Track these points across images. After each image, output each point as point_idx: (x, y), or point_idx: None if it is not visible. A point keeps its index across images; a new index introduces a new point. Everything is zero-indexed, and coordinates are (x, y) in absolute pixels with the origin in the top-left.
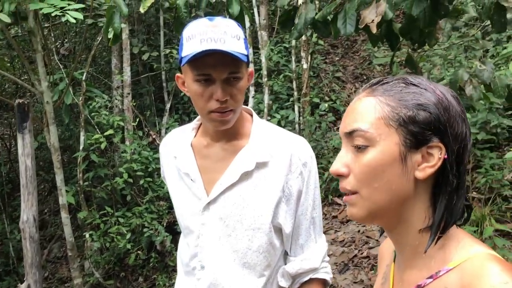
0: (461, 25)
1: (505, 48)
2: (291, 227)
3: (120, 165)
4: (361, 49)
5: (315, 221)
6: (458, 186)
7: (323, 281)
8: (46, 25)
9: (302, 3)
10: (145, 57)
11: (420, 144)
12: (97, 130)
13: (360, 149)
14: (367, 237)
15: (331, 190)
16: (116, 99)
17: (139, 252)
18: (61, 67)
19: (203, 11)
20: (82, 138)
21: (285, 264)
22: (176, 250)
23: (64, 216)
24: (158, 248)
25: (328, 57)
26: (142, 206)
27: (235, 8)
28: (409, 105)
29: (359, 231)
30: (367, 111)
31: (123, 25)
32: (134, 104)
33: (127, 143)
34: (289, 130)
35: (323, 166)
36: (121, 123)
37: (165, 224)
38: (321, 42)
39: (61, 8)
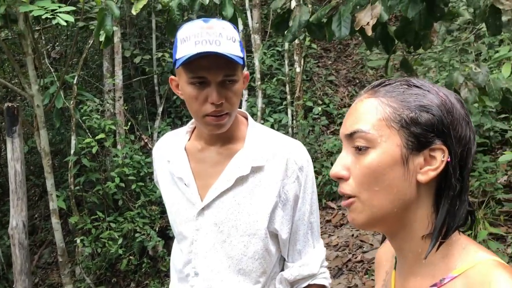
0: (456, 28)
1: (497, 52)
2: (288, 233)
3: (112, 170)
4: (354, 53)
5: (313, 226)
6: (461, 190)
7: (322, 287)
8: (36, 28)
9: (296, 5)
10: (137, 60)
11: (422, 147)
12: (89, 134)
13: (360, 151)
14: (361, 241)
15: (324, 194)
16: (108, 102)
17: (131, 257)
18: (52, 70)
19: (196, 13)
20: (73, 142)
21: (281, 270)
22: (168, 255)
23: (55, 221)
24: (150, 253)
25: (321, 60)
26: (134, 211)
27: (229, 11)
28: (412, 107)
29: (353, 235)
30: (369, 112)
31: (114, 28)
32: (126, 107)
33: (119, 147)
34: (282, 133)
35: (317, 170)
36: (113, 127)
37: (157, 229)
38: (314, 45)
39: (52, 10)
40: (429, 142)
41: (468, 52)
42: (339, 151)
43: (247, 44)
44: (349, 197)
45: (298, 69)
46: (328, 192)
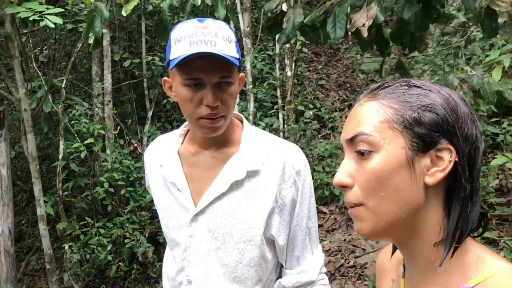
0: (450, 31)
1: (487, 56)
2: (285, 239)
3: (101, 175)
4: (344, 57)
5: (311, 232)
6: (472, 191)
7: None
8: (24, 31)
9: (290, 7)
10: (126, 64)
11: (428, 147)
12: (77, 138)
13: (363, 155)
14: (354, 246)
15: (316, 198)
16: (97, 107)
17: (120, 263)
18: (40, 74)
19: (187, 15)
20: (61, 147)
21: (277, 277)
22: (158, 261)
23: (42, 227)
24: (140, 259)
25: (311, 65)
26: (124, 216)
27: (221, 12)
28: (414, 107)
29: (345, 240)
30: (369, 115)
31: (104, 30)
32: (115, 112)
33: (108, 152)
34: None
35: None
36: (102, 132)
37: (147, 235)
38: (305, 49)
39: (39, 12)
40: (434, 142)
41: (459, 56)
42: (330, 155)
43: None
44: (355, 205)
45: (289, 73)
46: (320, 197)
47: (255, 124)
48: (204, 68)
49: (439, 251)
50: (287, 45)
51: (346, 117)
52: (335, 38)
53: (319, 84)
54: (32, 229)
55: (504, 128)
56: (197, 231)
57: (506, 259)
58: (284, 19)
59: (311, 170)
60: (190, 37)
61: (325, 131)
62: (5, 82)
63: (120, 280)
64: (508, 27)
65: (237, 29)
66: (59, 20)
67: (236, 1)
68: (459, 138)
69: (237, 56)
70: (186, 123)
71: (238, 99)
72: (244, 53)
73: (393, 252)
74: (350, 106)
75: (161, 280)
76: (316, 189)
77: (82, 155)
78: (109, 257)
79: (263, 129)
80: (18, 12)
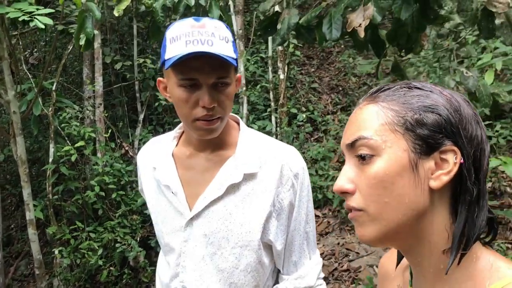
0: (446, 32)
1: (480, 59)
2: (283, 244)
3: (92, 178)
4: (337, 61)
5: (309, 236)
6: (478, 195)
7: None
8: (14, 33)
9: (285, 8)
10: (118, 66)
11: (431, 149)
12: (68, 141)
13: (364, 160)
14: (347, 249)
15: None
16: (88, 109)
17: (111, 268)
18: (30, 76)
19: (180, 16)
20: (51, 150)
21: (274, 283)
22: (150, 265)
23: (31, 232)
24: (131, 264)
25: (304, 68)
26: (115, 221)
27: (215, 13)
28: (415, 108)
29: (338, 243)
30: (369, 118)
31: (95, 32)
32: (106, 115)
33: (99, 155)
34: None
35: None
36: (93, 135)
37: (138, 239)
38: (297, 52)
39: (29, 13)
40: (438, 143)
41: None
42: (323, 158)
43: None
44: (355, 210)
45: (282, 76)
46: (313, 200)
47: (248, 127)
48: (201, 68)
49: (449, 258)
50: (280, 48)
51: (338, 120)
52: (331, 39)
53: (312, 87)
54: (21, 233)
55: (497, 131)
56: (192, 236)
57: None
58: (279, 20)
59: None
60: (186, 37)
61: (318, 134)
62: None
63: (111, 285)
64: (505, 29)
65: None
66: (49, 21)
67: (230, 3)
68: (463, 139)
69: (234, 56)
70: (180, 125)
71: None
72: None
73: (399, 260)
74: (342, 109)
75: (153, 286)
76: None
77: (73, 158)
78: (100, 262)
79: None
80: (7, 13)
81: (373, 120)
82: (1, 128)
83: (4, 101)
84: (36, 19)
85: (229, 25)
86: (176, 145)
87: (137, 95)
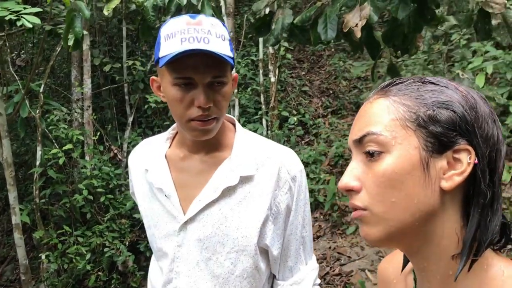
0: (441, 34)
1: (470, 62)
2: (279, 248)
3: (80, 181)
4: (327, 64)
5: (305, 241)
6: (492, 198)
7: None
8: (1, 34)
9: (279, 8)
10: (106, 68)
11: (444, 148)
12: (55, 144)
13: (373, 157)
14: (339, 253)
15: None
16: (76, 112)
17: (99, 273)
18: (17, 78)
19: (172, 15)
20: (39, 153)
21: None
22: (139, 270)
23: (17, 236)
24: (120, 269)
25: (294, 71)
26: (103, 225)
27: (208, 13)
28: (428, 104)
29: (330, 247)
30: (379, 113)
31: (84, 32)
32: (95, 117)
33: (87, 158)
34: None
35: None
36: (81, 137)
37: (127, 243)
38: (288, 55)
39: (16, 12)
40: (452, 142)
41: (441, 62)
42: (314, 161)
43: None
44: (359, 208)
45: (272, 79)
46: None
47: None
48: (196, 67)
49: (458, 264)
50: (271, 51)
51: (329, 124)
52: (326, 39)
53: (302, 90)
54: (7, 238)
55: None
56: (186, 240)
57: None
58: (273, 20)
59: None
60: (181, 34)
61: (309, 137)
62: None
63: None
64: (502, 29)
65: None
66: (37, 20)
67: (221, 4)
68: (478, 139)
69: (231, 54)
70: (174, 125)
71: None
72: None
73: (405, 264)
74: (333, 113)
75: None
76: None
77: (61, 161)
78: (88, 267)
79: None
80: None
81: (383, 115)
82: None
83: None
84: (24, 18)
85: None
86: (169, 146)
87: (126, 97)
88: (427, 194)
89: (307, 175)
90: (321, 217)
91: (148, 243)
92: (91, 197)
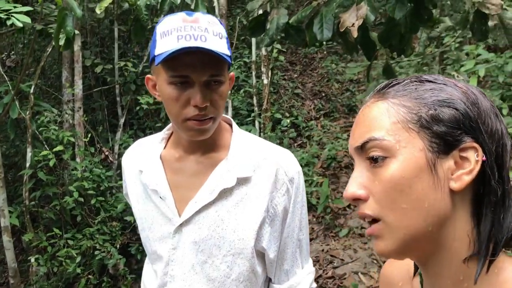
0: (436, 35)
1: (462, 65)
2: (276, 251)
3: (70, 184)
4: (319, 67)
5: (302, 244)
6: (503, 195)
7: None
8: None
9: (274, 7)
10: (98, 69)
11: (450, 147)
12: (46, 146)
13: (377, 163)
14: (332, 256)
15: None
16: (67, 113)
17: (90, 276)
18: (6, 79)
19: (165, 15)
20: (29, 154)
21: None
22: (130, 273)
23: (6, 239)
24: (111, 272)
25: (287, 73)
26: (94, 227)
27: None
28: (429, 103)
29: (323, 250)
30: (379, 117)
31: (76, 32)
32: (86, 119)
33: (78, 160)
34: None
35: None
36: (72, 139)
37: (118, 246)
38: (281, 57)
39: (6, 11)
40: (457, 141)
41: (433, 65)
42: (307, 164)
43: None
44: (373, 220)
45: (265, 81)
46: None
47: None
48: (193, 65)
49: (470, 268)
50: (264, 53)
51: (321, 126)
52: (322, 39)
53: (295, 92)
54: None
55: None
56: (181, 243)
57: None
58: (268, 20)
59: None
60: (178, 31)
61: (302, 139)
62: None
63: None
64: (498, 30)
65: None
66: (28, 20)
67: (214, 5)
68: (484, 135)
69: (229, 53)
70: (169, 126)
71: None
72: None
73: (415, 272)
74: (325, 115)
75: None
76: None
77: (51, 163)
78: (78, 270)
79: None
80: None
81: (384, 119)
82: None
83: None
84: (14, 17)
85: None
86: (165, 147)
87: (118, 99)
88: (437, 196)
89: None
90: (314, 219)
91: (139, 246)
92: (81, 199)
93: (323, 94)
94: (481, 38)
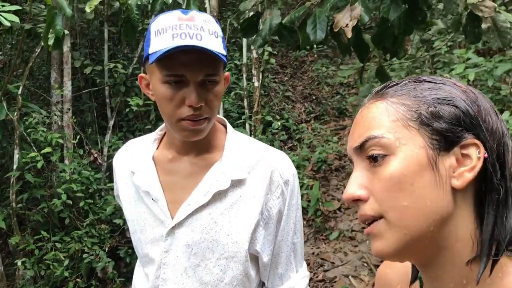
0: (429, 37)
1: (452, 69)
2: (270, 255)
3: (58, 186)
4: (310, 70)
5: (296, 248)
6: (506, 193)
7: None
8: None
9: (267, 8)
10: (87, 71)
11: (451, 145)
12: (34, 148)
13: (377, 162)
14: (322, 259)
15: None
16: (55, 115)
17: (78, 279)
18: None
19: (157, 14)
20: (16, 156)
21: None
22: (119, 276)
23: None
24: (99, 275)
25: (277, 76)
26: (82, 230)
27: None
28: (429, 101)
29: (313, 253)
30: (378, 116)
31: (66, 32)
32: (75, 120)
33: (66, 162)
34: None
35: None
36: (60, 141)
37: (107, 249)
38: (272, 60)
39: None
40: (458, 137)
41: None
42: (297, 167)
43: None
44: (372, 221)
45: (256, 84)
46: None
47: None
48: (188, 64)
49: (473, 270)
50: (254, 55)
51: (312, 129)
52: (315, 40)
53: (286, 95)
54: None
55: None
56: (173, 246)
57: None
58: (261, 20)
59: None
60: (173, 30)
61: (292, 142)
62: None
63: None
64: (491, 33)
65: None
66: (16, 19)
67: (206, 6)
68: (485, 132)
69: (224, 52)
70: (162, 126)
71: None
72: None
73: (413, 277)
74: (316, 118)
75: None
76: None
77: (39, 165)
78: (66, 273)
79: None
80: None
81: (383, 118)
82: None
83: None
84: (2, 16)
85: None
86: (157, 148)
87: (107, 100)
88: (439, 194)
89: None
90: (304, 222)
91: (128, 249)
92: (70, 202)
93: (314, 97)
94: (474, 41)
